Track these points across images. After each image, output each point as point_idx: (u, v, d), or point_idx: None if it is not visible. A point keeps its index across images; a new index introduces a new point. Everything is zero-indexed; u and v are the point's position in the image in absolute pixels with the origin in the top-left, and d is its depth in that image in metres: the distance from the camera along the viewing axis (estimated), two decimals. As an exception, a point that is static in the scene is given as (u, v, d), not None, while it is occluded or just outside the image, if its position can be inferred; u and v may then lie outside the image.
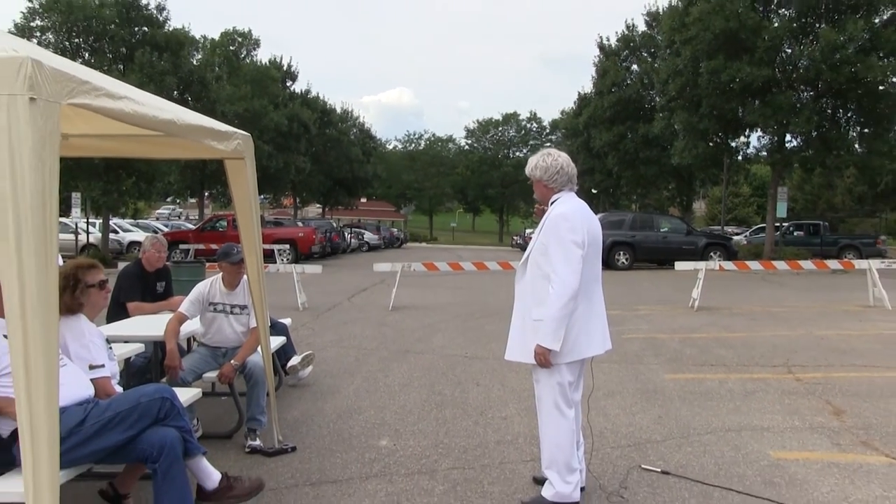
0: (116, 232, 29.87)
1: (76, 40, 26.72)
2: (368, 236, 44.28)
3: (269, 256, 21.72)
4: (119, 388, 3.95)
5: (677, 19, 27.32)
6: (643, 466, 4.70)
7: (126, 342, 5.24)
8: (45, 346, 2.38)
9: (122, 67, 26.23)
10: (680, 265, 14.50)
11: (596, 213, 4.40)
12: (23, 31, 25.62)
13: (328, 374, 7.56)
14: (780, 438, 5.34)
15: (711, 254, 23.95)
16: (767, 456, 4.93)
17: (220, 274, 5.60)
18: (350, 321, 11.58)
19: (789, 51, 25.81)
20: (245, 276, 5.26)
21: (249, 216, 4.67)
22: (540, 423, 4.07)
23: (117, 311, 6.36)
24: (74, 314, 3.90)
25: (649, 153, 38.99)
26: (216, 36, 43.79)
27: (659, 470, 4.62)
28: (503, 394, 6.72)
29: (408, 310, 12.95)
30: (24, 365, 2.36)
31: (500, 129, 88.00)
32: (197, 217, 45.71)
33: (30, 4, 26.32)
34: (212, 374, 5.35)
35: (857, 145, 26.82)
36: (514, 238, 53.34)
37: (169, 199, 63.04)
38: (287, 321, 7.21)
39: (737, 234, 38.06)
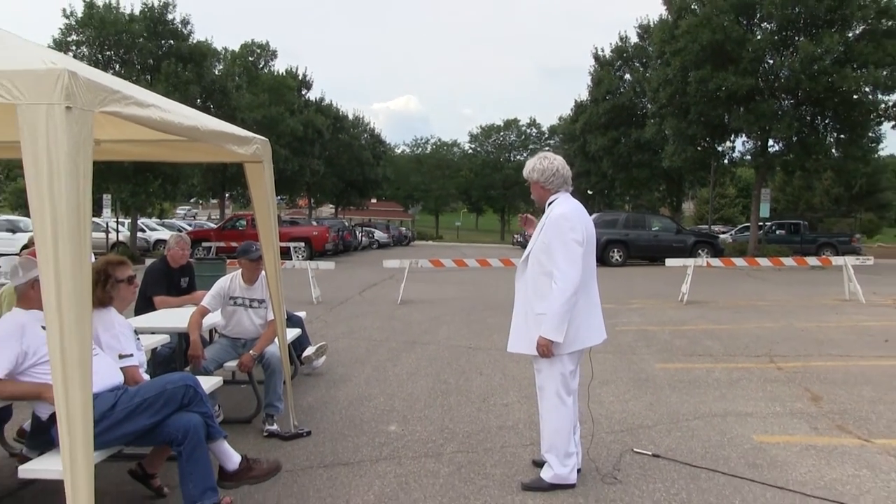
0: (144, 231, 29.94)
1: (108, 53, 26.86)
2: (378, 235, 44.24)
3: (285, 254, 21.74)
4: (146, 376, 3.97)
5: (667, 32, 27.28)
6: (635, 450, 4.70)
7: (153, 333, 5.26)
8: (80, 337, 2.40)
9: (149, 78, 26.31)
10: (670, 262, 14.45)
11: (591, 213, 4.41)
12: (60, 45, 25.78)
13: (340, 363, 7.57)
14: (763, 423, 5.33)
15: (699, 251, 23.88)
16: (750, 439, 4.93)
17: (240, 270, 5.61)
18: (361, 314, 11.59)
19: (771, 62, 25.79)
20: (263, 272, 5.26)
21: (267, 216, 4.68)
22: (541, 410, 4.08)
23: (144, 305, 6.38)
24: (105, 307, 3.92)
25: (641, 157, 38.95)
26: (236, 48, 43.79)
27: (650, 453, 4.62)
28: (504, 382, 6.73)
29: (415, 303, 12.95)
30: (61, 354, 2.39)
31: (502, 134, 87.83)
32: (218, 217, 45.76)
33: (67, 21, 26.56)
34: (232, 364, 5.36)
35: (833, 150, 26.81)
36: (515, 237, 53.13)
37: (192, 200, 63.01)
38: (302, 314, 7.22)
39: (723, 232, 37.90)
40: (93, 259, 3.33)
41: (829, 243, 27.71)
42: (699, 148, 29.17)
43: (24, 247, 7.78)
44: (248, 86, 37.50)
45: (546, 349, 3.84)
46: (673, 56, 26.35)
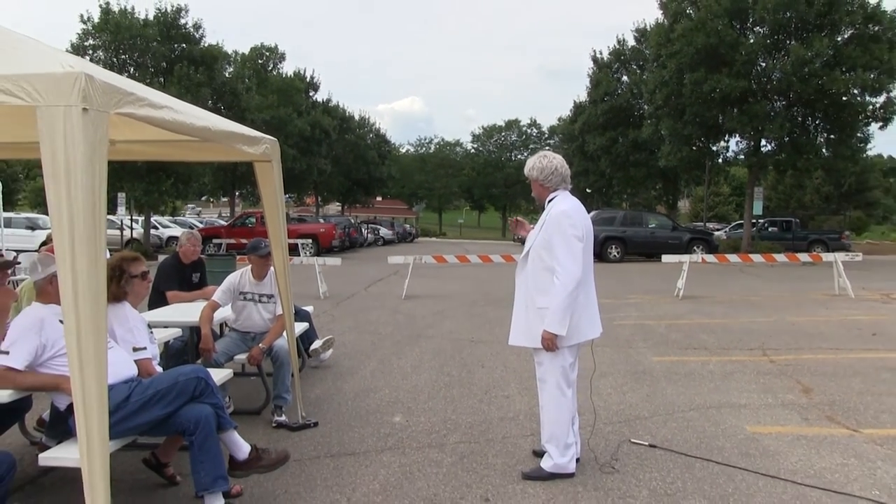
0: (157, 228, 30.00)
1: (123, 57, 26.96)
2: (383, 231, 44.14)
3: (293, 250, 21.73)
4: (159, 369, 3.97)
5: (663, 35, 27.20)
6: (632, 440, 4.70)
7: (165, 327, 5.26)
8: (95, 331, 2.41)
9: (162, 80, 26.34)
10: (666, 258, 14.44)
11: (590, 210, 4.41)
12: (77, 49, 25.90)
13: (347, 356, 7.58)
14: (756, 414, 5.33)
15: (695, 248, 23.83)
16: (744, 430, 4.93)
17: (250, 266, 5.61)
18: (367, 309, 11.59)
19: (763, 64, 25.71)
20: (272, 268, 5.26)
21: (276, 213, 4.68)
22: (541, 402, 4.08)
23: (157, 299, 6.39)
24: (120, 302, 3.92)
25: (638, 156, 38.83)
26: (246, 51, 43.69)
27: (647, 443, 4.62)
28: (505, 374, 6.73)
29: (419, 298, 12.95)
30: (77, 347, 2.39)
31: (503, 134, 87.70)
32: (228, 214, 45.76)
33: (84, 26, 26.72)
34: (242, 357, 5.36)
35: (824, 150, 26.75)
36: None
37: (203, 198, 62.94)
38: (310, 309, 7.23)
39: (717, 229, 37.80)
40: (108, 255, 3.34)
41: (819, 240, 27.62)
42: (694, 148, 29.10)
43: (43, 243, 7.80)
44: (258, 88, 37.49)
45: (550, 343, 3.84)
46: (669, 59, 26.30)
